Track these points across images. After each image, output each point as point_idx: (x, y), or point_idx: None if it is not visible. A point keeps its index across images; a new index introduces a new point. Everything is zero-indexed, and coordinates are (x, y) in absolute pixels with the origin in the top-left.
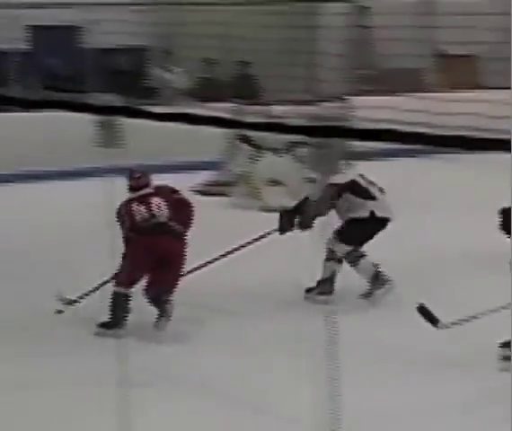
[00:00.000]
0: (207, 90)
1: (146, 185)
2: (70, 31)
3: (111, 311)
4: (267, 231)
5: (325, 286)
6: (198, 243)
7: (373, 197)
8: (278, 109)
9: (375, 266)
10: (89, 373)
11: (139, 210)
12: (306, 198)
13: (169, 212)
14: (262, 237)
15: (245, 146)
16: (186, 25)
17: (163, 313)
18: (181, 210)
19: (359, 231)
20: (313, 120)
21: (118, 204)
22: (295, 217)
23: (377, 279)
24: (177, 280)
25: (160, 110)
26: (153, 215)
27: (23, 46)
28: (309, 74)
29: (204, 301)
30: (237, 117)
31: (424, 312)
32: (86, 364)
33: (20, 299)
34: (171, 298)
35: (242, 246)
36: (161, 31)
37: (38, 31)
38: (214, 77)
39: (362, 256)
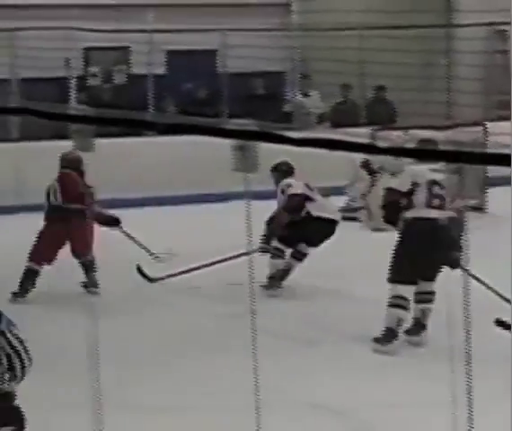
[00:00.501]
0: (342, 114)
1: (65, 167)
2: (206, 56)
3: (21, 282)
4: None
5: (274, 281)
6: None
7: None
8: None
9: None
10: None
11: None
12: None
13: (61, 195)
14: (241, 255)
15: (364, 172)
16: (322, 50)
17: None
18: (70, 189)
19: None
20: (450, 145)
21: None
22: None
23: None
24: (84, 253)
25: (296, 135)
26: (48, 199)
27: (161, 70)
28: (446, 98)
29: None
30: (373, 142)
31: (501, 324)
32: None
33: None
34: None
35: (222, 260)
36: (298, 56)
37: (174, 56)
38: (350, 102)
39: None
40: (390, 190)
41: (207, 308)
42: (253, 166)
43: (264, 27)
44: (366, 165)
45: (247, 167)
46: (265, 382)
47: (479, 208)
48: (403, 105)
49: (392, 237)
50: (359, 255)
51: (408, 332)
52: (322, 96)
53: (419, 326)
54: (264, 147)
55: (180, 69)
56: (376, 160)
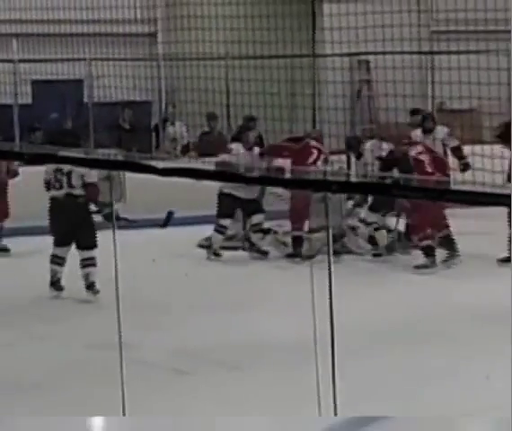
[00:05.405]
0: (208, 144)
1: None
2: (72, 85)
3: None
4: None
5: None
6: None
7: None
8: None
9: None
10: None
11: None
12: None
13: None
14: None
15: None
16: (188, 79)
17: None
18: None
19: None
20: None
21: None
22: None
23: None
24: None
25: (161, 165)
26: None
27: (27, 100)
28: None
29: None
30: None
31: None
32: None
33: None
34: None
35: None
36: (164, 86)
37: (40, 86)
38: (216, 132)
39: None
40: None
41: None
42: (121, 196)
43: (130, 57)
44: None
45: (114, 197)
46: None
47: None
48: (270, 134)
49: None
50: None
51: None
52: (188, 126)
53: None
54: (131, 177)
55: (46, 99)
56: None
